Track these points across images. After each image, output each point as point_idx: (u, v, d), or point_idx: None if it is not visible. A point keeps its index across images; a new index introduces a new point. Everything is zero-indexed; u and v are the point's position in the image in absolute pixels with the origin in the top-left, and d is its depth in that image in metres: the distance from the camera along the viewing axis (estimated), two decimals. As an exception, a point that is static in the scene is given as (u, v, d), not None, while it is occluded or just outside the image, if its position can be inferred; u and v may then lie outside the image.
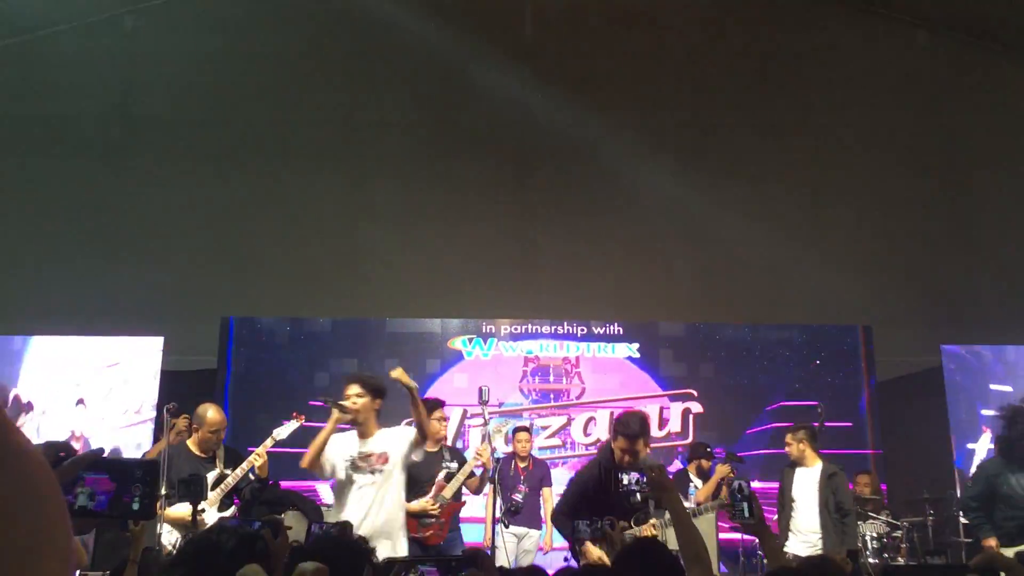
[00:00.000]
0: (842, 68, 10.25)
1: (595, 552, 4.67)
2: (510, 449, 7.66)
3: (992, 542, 5.79)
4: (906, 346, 9.42)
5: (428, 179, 10.10)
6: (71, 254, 9.73)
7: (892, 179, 10.16)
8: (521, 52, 10.32)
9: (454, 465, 6.33)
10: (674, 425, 9.13)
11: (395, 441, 5.27)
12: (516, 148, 10.27)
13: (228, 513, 5.86)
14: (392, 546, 5.17)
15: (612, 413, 9.15)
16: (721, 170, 10.16)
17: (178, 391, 7.43)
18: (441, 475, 6.26)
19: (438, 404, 6.54)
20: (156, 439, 7.75)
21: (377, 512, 5.15)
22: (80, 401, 8.80)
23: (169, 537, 5.51)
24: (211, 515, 5.72)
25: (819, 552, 6.00)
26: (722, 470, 7.47)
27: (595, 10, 10.37)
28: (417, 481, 6.17)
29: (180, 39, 10.17)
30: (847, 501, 6.56)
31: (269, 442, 5.80)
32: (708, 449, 7.81)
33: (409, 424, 6.38)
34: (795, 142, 10.26)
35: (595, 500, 4.77)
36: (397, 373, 5.25)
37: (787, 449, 6.83)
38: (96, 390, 8.85)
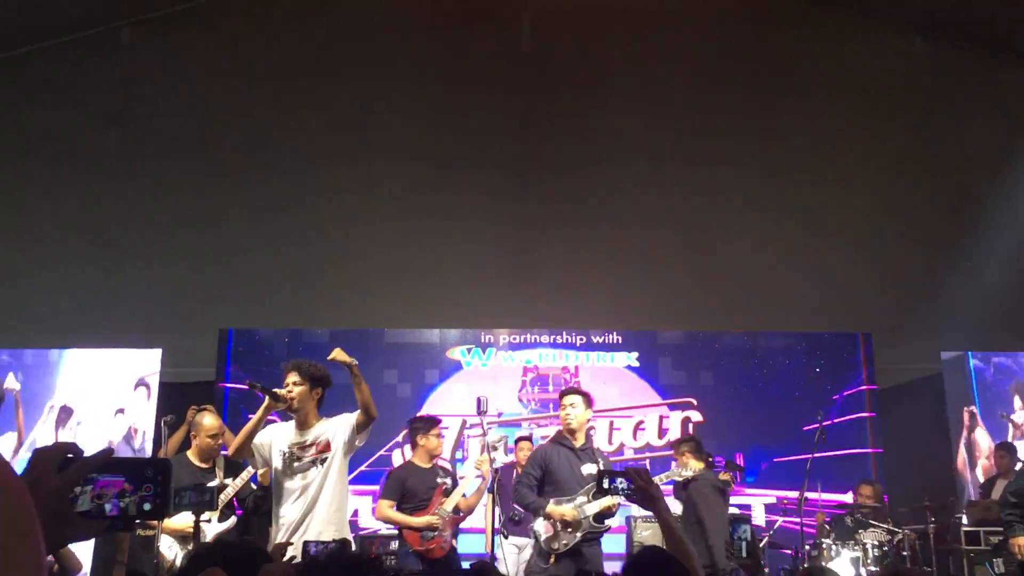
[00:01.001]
0: (843, 74, 10.24)
1: (560, 511, 5.38)
2: (510, 459, 7.63)
3: (1021, 541, 5.73)
4: (906, 353, 9.40)
5: (426, 188, 10.09)
6: (69, 266, 9.71)
7: (891, 185, 10.16)
8: (520, 59, 10.34)
9: (449, 481, 6.33)
10: (674, 433, 9.10)
11: (335, 428, 5.08)
12: (514, 157, 10.27)
13: (230, 524, 5.84)
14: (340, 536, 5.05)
15: (611, 422, 9.13)
16: (719, 178, 10.16)
17: (177, 403, 7.41)
18: (443, 485, 6.26)
19: (434, 422, 6.51)
20: (154, 451, 7.72)
21: (322, 504, 4.98)
22: (120, 411, 8.79)
23: (170, 551, 5.46)
24: (211, 526, 5.70)
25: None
26: (722, 477, 7.44)
27: (595, 17, 10.39)
28: (414, 496, 6.14)
29: (177, 51, 10.18)
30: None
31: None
32: (709, 459, 7.77)
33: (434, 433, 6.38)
34: (795, 150, 10.26)
35: (556, 475, 5.50)
36: (334, 354, 5.12)
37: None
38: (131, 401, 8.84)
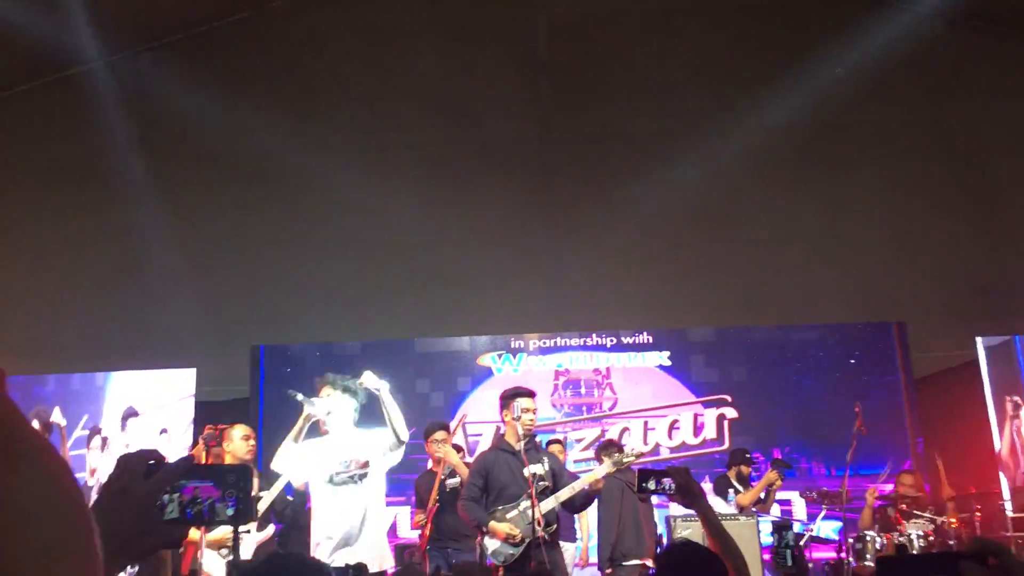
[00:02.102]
0: (865, 63, 10.10)
1: (503, 529, 5.37)
2: None
3: None
4: (942, 341, 9.28)
5: (450, 197, 10.12)
6: (105, 291, 9.84)
7: (920, 172, 10.04)
8: (537, 65, 10.34)
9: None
10: (709, 432, 9.05)
11: (371, 447, 5.14)
12: (536, 162, 10.27)
13: (267, 533, 5.89)
14: (379, 559, 5.08)
15: (646, 423, 9.09)
16: (744, 171, 10.09)
17: (213, 421, 7.47)
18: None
19: (442, 426, 6.48)
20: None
21: (360, 520, 5.02)
22: (164, 431, 8.90)
23: (215, 564, 5.49)
24: (250, 536, 5.76)
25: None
26: (771, 476, 7.40)
27: (609, 20, 10.37)
28: (420, 497, 6.08)
29: (198, 73, 10.28)
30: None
31: None
32: (748, 455, 7.73)
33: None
34: (819, 139, 10.16)
35: (497, 482, 5.49)
36: (363, 378, 5.15)
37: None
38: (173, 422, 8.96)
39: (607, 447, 6.98)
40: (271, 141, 10.20)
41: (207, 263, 9.98)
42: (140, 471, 1.23)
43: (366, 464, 5.10)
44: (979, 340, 8.95)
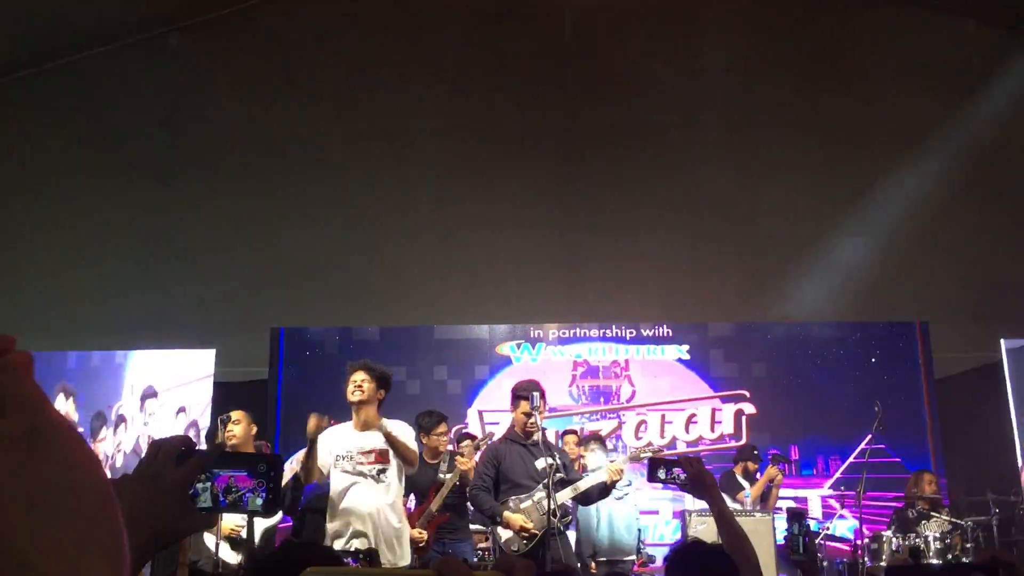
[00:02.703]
0: (890, 59, 10.04)
1: (517, 520, 5.34)
2: None
3: None
4: (964, 342, 9.19)
5: (472, 185, 10.11)
6: (127, 270, 9.90)
7: (944, 171, 9.92)
8: (562, 54, 10.28)
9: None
10: (727, 427, 9.02)
11: (394, 442, 5.12)
12: (559, 151, 10.23)
13: (276, 520, 5.91)
14: (400, 555, 5.08)
15: (663, 416, 9.07)
16: (768, 166, 10.01)
17: (232, 401, 7.52)
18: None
19: (442, 419, 6.39)
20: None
21: (382, 515, 5.02)
22: (182, 409, 8.96)
23: (230, 556, 5.49)
24: (258, 522, 5.79)
25: None
26: (771, 472, 7.38)
27: (635, 9, 10.30)
28: (419, 491, 6.04)
29: (224, 54, 10.31)
30: None
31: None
32: (755, 452, 7.71)
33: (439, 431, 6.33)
34: (843, 136, 10.07)
35: (509, 473, 5.48)
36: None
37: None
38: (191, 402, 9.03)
39: (588, 440, 6.97)
40: (295, 124, 10.22)
41: (229, 244, 10.01)
42: (173, 457, 1.23)
43: (386, 456, 5.10)
44: (1003, 342, 8.87)
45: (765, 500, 7.37)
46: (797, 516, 6.16)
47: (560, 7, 10.27)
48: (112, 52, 10.26)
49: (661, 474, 2.83)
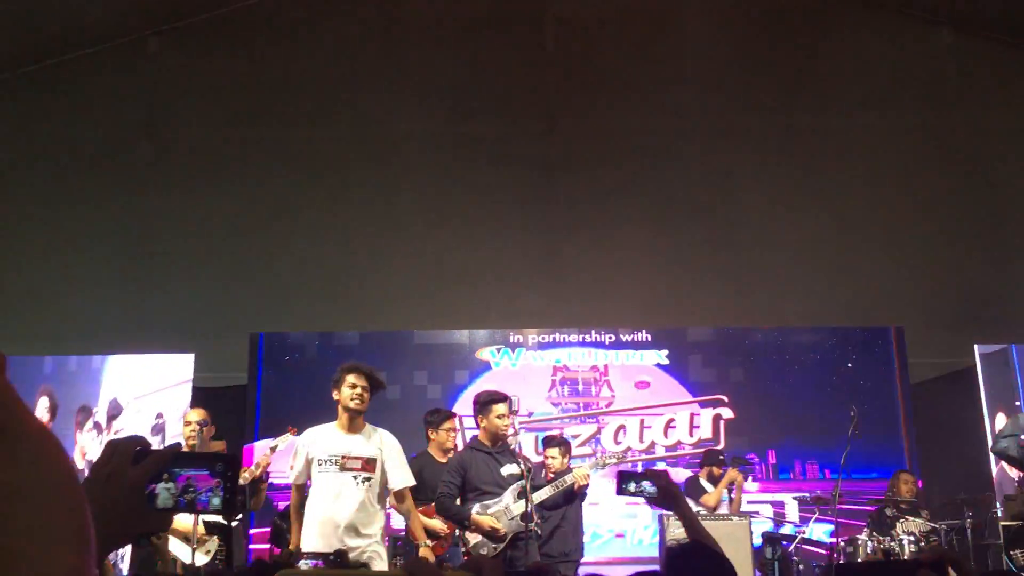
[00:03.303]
0: (866, 68, 10.15)
1: (487, 521, 5.41)
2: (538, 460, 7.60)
3: None
4: (939, 347, 9.30)
5: (453, 190, 10.13)
6: (105, 274, 9.84)
7: (919, 179, 10.05)
8: (543, 61, 10.33)
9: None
10: (705, 432, 9.07)
11: (382, 452, 5.15)
12: (540, 157, 10.26)
13: (235, 523, 5.94)
14: (380, 562, 5.10)
15: (642, 421, 9.11)
16: (747, 174, 10.09)
17: (209, 407, 7.49)
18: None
19: (447, 417, 6.50)
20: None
21: (367, 521, 5.05)
22: (159, 415, 8.91)
23: (194, 555, 5.45)
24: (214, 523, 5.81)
25: None
26: (731, 474, 7.46)
27: (617, 16, 10.37)
28: (428, 488, 6.11)
29: (204, 60, 10.29)
30: None
31: (269, 452, 6.18)
32: (720, 457, 7.80)
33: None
34: (820, 144, 10.19)
35: (476, 480, 5.56)
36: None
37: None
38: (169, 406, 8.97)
39: (549, 442, 6.99)
40: (274, 129, 10.20)
41: (209, 249, 9.98)
42: (128, 456, 1.23)
43: (372, 465, 5.11)
44: (976, 347, 8.99)
45: (730, 503, 7.46)
46: (772, 540, 6.24)
47: (540, 15, 10.33)
48: (91, 56, 10.21)
49: (630, 487, 2.90)
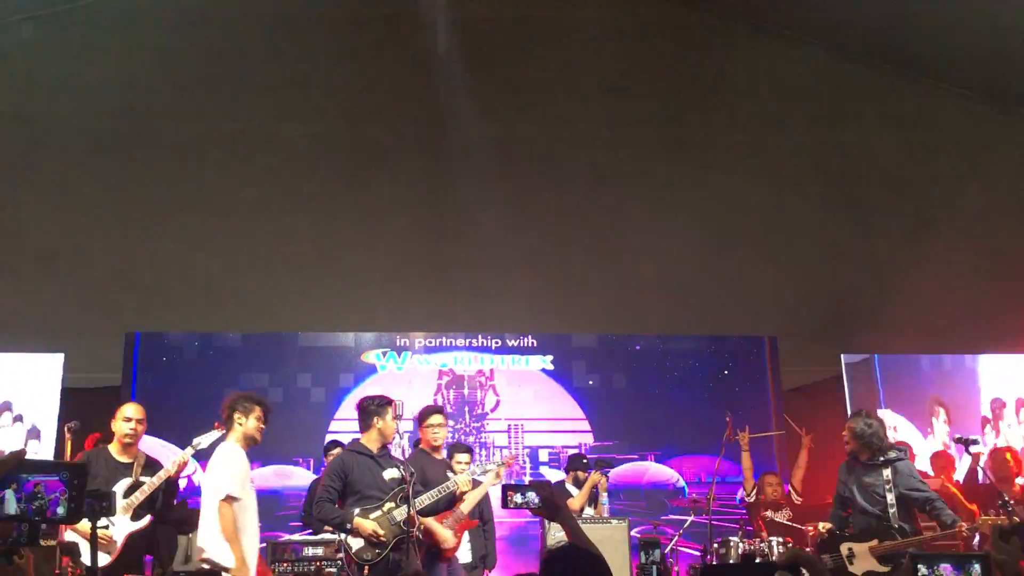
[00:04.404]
0: (750, 86, 10.46)
1: (369, 526, 5.43)
2: None
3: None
4: (809, 356, 9.73)
5: (340, 192, 10.01)
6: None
7: (793, 195, 10.46)
8: (433, 64, 10.32)
9: (463, 477, 6.16)
10: (587, 437, 9.27)
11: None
12: (429, 161, 10.25)
13: (142, 524, 5.72)
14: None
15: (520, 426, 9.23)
16: (630, 185, 10.33)
17: (81, 409, 7.21)
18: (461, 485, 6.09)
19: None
20: (57, 458, 7.47)
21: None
22: (18, 418, 8.49)
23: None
24: (122, 524, 5.60)
25: None
26: (594, 477, 7.68)
27: (509, 24, 10.44)
28: (432, 484, 5.97)
29: (78, 48, 9.88)
30: None
31: (189, 451, 5.82)
32: (584, 461, 8.02)
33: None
34: (704, 158, 10.47)
35: (357, 484, 5.54)
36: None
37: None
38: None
39: (456, 448, 7.06)
40: (153, 122, 9.86)
41: (81, 244, 9.58)
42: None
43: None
44: (843, 357, 9.46)
45: (595, 506, 7.68)
46: (648, 545, 6.41)
47: (433, 18, 10.32)
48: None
49: (516, 499, 3.02)
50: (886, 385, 9.49)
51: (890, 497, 6.00)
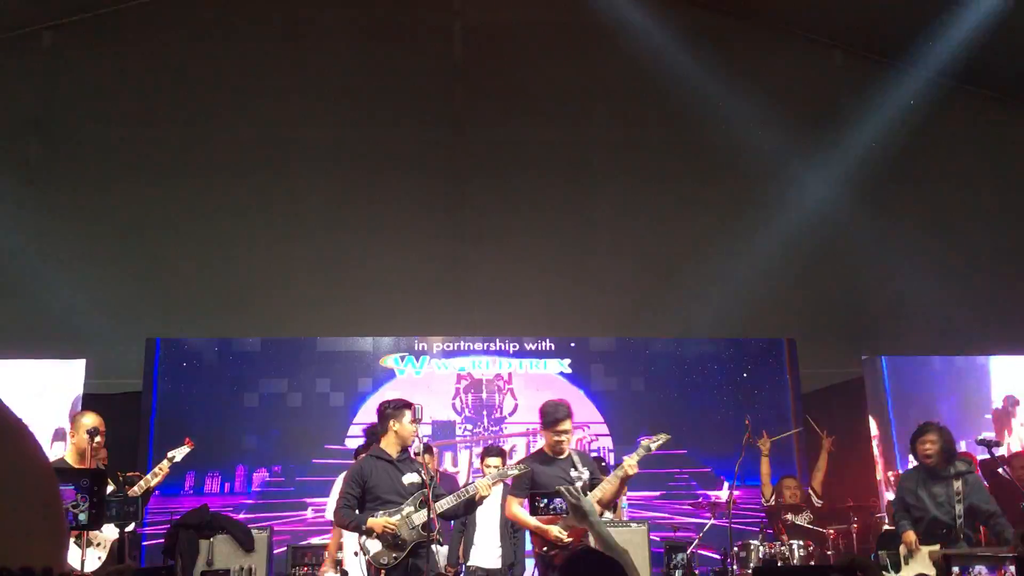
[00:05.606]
0: (759, 87, 10.39)
1: (380, 522, 5.40)
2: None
3: (910, 537, 6.29)
4: (828, 358, 9.68)
5: (358, 197, 10.06)
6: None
7: (812, 194, 10.40)
8: (451, 70, 10.37)
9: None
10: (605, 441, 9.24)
11: None
12: (447, 166, 10.29)
13: (128, 530, 5.73)
14: None
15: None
16: (652, 187, 10.32)
17: (102, 415, 7.25)
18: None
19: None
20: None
21: None
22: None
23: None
24: (109, 530, 5.62)
25: None
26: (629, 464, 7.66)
27: (524, 27, 10.46)
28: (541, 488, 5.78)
29: (101, 56, 9.98)
30: None
31: (165, 464, 6.00)
32: (603, 464, 7.97)
33: None
34: (721, 159, 10.44)
35: (376, 490, 5.57)
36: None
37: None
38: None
39: (489, 451, 7.06)
40: (174, 129, 9.96)
41: (103, 251, 9.66)
42: None
43: None
44: (863, 359, 9.41)
45: (614, 508, 7.64)
46: (673, 549, 6.40)
47: (450, 24, 10.36)
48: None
49: (543, 504, 3.02)
50: (893, 386, 9.46)
51: (959, 508, 6.23)
